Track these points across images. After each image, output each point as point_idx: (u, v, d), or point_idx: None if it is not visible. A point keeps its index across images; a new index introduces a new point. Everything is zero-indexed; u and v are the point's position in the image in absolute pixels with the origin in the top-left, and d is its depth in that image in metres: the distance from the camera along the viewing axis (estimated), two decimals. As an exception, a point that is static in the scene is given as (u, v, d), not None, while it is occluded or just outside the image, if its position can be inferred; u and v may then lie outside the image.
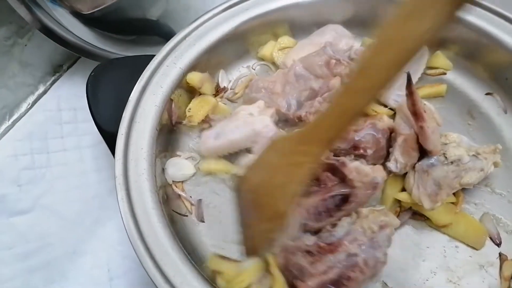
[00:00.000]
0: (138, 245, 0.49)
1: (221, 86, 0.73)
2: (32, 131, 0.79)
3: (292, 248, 0.50)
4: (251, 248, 0.53)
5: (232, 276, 0.51)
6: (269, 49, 0.75)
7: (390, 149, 0.59)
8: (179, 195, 0.62)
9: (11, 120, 0.80)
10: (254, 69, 0.76)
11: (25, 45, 0.79)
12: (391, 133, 0.61)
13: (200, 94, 0.70)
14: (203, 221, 0.61)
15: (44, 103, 0.82)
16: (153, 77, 0.64)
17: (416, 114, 0.55)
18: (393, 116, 0.64)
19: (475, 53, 0.70)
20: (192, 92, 0.70)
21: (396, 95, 0.65)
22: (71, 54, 0.85)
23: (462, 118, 0.68)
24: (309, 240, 0.51)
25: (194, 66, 0.67)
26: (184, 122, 0.68)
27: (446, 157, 0.56)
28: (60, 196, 0.76)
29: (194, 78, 0.67)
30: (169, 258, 0.49)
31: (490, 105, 0.69)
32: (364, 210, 0.53)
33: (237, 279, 0.51)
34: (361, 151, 0.58)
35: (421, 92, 0.68)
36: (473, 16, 0.67)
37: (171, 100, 0.65)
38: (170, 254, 0.49)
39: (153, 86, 0.63)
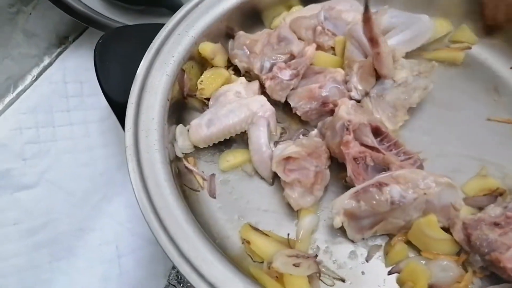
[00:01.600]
0: (150, 217, 0.47)
1: (234, 56, 0.69)
2: (37, 104, 0.76)
3: (473, 222, 0.48)
4: None
5: (259, 246, 0.51)
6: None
7: (347, 77, 0.60)
8: (191, 170, 0.60)
9: (16, 92, 0.77)
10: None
11: (30, 14, 0.75)
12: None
13: (212, 66, 0.67)
14: (215, 197, 0.58)
15: (50, 75, 0.79)
16: (164, 45, 0.61)
17: (373, 40, 0.54)
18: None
19: (501, 26, 0.66)
20: (204, 63, 0.66)
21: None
22: (77, 25, 0.82)
23: (488, 94, 0.64)
24: (495, 212, 0.48)
25: (206, 36, 0.64)
26: (196, 94, 0.65)
27: (394, 81, 0.59)
28: (66, 171, 0.74)
29: (207, 48, 0.64)
30: (183, 232, 0.47)
31: (516, 80, 0.65)
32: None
33: (263, 250, 0.51)
34: (331, 105, 0.58)
35: (437, 54, 0.67)
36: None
37: (183, 71, 0.62)
38: (183, 227, 0.47)
39: (164, 55, 0.60)
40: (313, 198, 0.53)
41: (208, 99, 0.65)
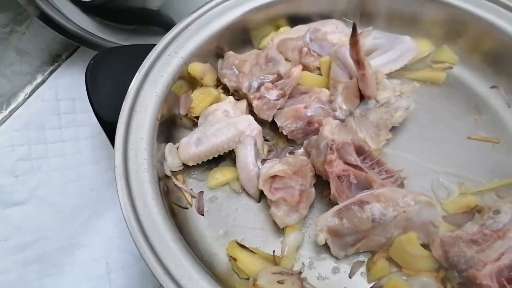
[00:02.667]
0: (138, 236, 0.48)
1: (223, 76, 0.71)
2: (29, 121, 0.77)
3: (451, 239, 0.49)
4: None
5: (245, 264, 0.52)
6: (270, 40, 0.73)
7: (332, 97, 0.62)
8: (180, 188, 0.61)
9: (8, 109, 0.78)
10: (257, 61, 0.74)
11: (23, 33, 0.77)
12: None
13: (202, 85, 0.69)
14: (203, 215, 0.59)
15: (42, 93, 0.80)
16: (154, 66, 0.62)
17: (359, 62, 0.57)
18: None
19: (480, 46, 0.69)
20: (194, 83, 0.68)
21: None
22: (69, 44, 0.84)
23: (469, 113, 0.66)
24: (472, 229, 0.50)
25: (195, 56, 0.66)
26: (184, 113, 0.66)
27: (377, 101, 0.61)
28: (57, 188, 0.75)
29: (196, 68, 0.66)
30: (169, 250, 0.48)
31: (495, 99, 0.67)
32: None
33: (249, 267, 0.52)
34: (316, 125, 0.60)
35: (419, 74, 0.69)
36: (481, 9, 0.66)
37: (181, 92, 0.64)
38: (170, 246, 0.48)
39: (154, 75, 0.62)
40: (298, 216, 0.55)
41: (197, 117, 0.66)
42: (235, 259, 0.53)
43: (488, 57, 0.69)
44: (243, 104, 0.65)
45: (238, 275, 0.54)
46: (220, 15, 0.68)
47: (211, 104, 0.67)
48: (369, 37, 0.70)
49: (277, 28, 0.74)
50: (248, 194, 0.60)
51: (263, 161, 0.61)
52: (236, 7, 0.69)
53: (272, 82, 0.64)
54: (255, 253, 0.54)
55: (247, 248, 0.55)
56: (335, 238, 0.52)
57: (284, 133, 0.61)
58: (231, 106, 0.64)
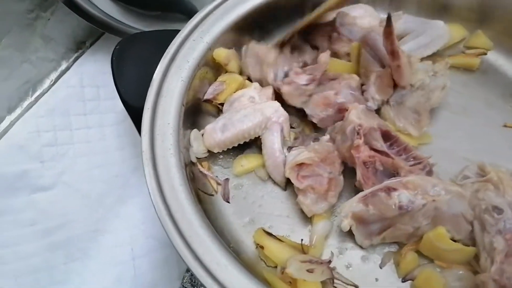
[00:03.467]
0: (166, 221, 0.48)
1: (247, 62, 0.70)
2: (55, 107, 0.78)
3: (499, 272, 0.45)
4: None
5: (272, 251, 0.51)
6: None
7: (364, 86, 0.60)
8: (205, 174, 0.60)
9: (34, 96, 0.79)
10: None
11: (48, 19, 0.77)
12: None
13: (226, 71, 0.68)
14: (229, 202, 0.59)
15: (67, 79, 0.81)
16: (179, 51, 0.61)
17: (394, 53, 0.55)
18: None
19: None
20: (218, 69, 0.67)
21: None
22: (94, 31, 0.84)
23: (505, 101, 0.64)
24: None
25: (220, 42, 0.65)
26: (211, 99, 0.65)
27: (411, 85, 0.59)
28: (83, 174, 0.75)
29: (221, 54, 0.65)
30: (197, 236, 0.47)
31: (533, 87, 0.65)
32: None
33: (277, 255, 0.51)
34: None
35: (452, 60, 0.66)
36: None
37: (206, 77, 0.64)
38: (198, 232, 0.48)
39: (179, 60, 0.61)
40: (327, 205, 0.54)
41: (222, 104, 0.66)
42: (262, 247, 0.52)
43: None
44: (269, 90, 0.63)
45: (265, 263, 0.53)
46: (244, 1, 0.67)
47: (237, 90, 0.66)
48: (400, 21, 0.68)
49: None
50: (274, 182, 0.59)
51: (289, 148, 0.59)
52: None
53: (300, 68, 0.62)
54: (282, 241, 0.53)
55: (274, 236, 0.54)
56: (360, 225, 0.50)
57: (314, 121, 0.60)
58: (256, 92, 0.63)
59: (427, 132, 0.60)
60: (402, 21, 0.68)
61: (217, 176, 0.61)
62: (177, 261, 0.69)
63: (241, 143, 0.59)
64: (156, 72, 0.59)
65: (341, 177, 0.56)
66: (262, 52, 0.64)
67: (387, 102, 0.60)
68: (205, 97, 0.65)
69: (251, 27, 0.69)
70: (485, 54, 0.68)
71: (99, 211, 0.73)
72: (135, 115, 0.60)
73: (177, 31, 0.64)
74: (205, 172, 0.60)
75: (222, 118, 0.60)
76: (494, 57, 0.68)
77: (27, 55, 0.76)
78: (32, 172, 0.73)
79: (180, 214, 0.48)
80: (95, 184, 0.74)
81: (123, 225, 0.71)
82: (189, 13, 0.83)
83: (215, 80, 0.67)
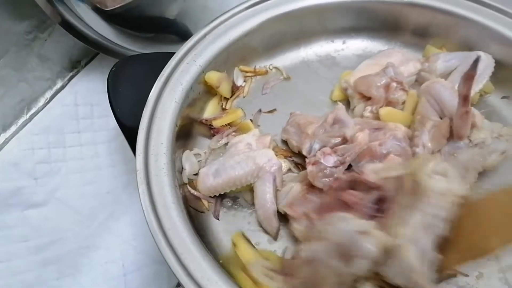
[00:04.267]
0: (159, 238, 0.50)
1: (237, 84, 0.73)
2: (49, 125, 0.79)
3: None
4: None
5: (242, 251, 0.55)
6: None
7: (416, 133, 0.58)
8: (196, 196, 0.62)
9: (29, 114, 0.80)
10: (271, 69, 0.77)
11: (45, 40, 0.79)
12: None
13: (217, 94, 0.71)
14: (218, 219, 0.61)
15: (62, 98, 0.83)
16: (173, 73, 0.64)
17: (466, 98, 0.53)
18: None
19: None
20: (210, 91, 0.70)
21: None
22: (89, 51, 0.86)
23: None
24: None
25: (213, 65, 0.68)
26: (206, 120, 0.69)
27: (470, 140, 0.57)
28: (75, 190, 0.77)
29: (213, 77, 0.68)
30: (189, 252, 0.49)
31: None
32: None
33: (246, 256, 0.55)
34: None
35: None
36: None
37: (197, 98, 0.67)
38: (190, 248, 0.50)
39: (173, 82, 0.64)
40: None
41: (213, 128, 0.68)
42: (235, 245, 0.56)
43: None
44: (267, 138, 0.63)
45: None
46: (237, 24, 0.70)
47: (233, 121, 0.68)
48: (439, 61, 0.68)
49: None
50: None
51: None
52: (253, 17, 0.71)
53: (335, 145, 0.58)
54: (255, 248, 0.57)
55: (249, 241, 0.57)
56: None
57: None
58: (255, 139, 0.63)
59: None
60: (441, 61, 0.68)
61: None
62: (167, 276, 0.70)
63: (233, 189, 0.59)
64: (151, 93, 0.62)
65: None
66: (304, 122, 0.63)
67: (439, 151, 0.57)
68: (202, 118, 0.68)
69: (242, 51, 0.73)
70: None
71: (91, 227, 0.74)
72: (130, 134, 0.62)
73: (172, 53, 0.67)
74: (197, 194, 0.62)
75: (217, 163, 0.60)
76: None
77: (24, 74, 0.78)
78: (25, 189, 0.74)
79: (173, 232, 0.50)
80: (87, 200, 0.76)
81: (115, 241, 0.72)
82: (183, 35, 0.87)
83: (207, 102, 0.71)
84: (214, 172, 0.59)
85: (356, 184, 0.53)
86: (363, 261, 0.46)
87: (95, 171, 0.79)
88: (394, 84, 0.64)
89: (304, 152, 0.59)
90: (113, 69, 0.66)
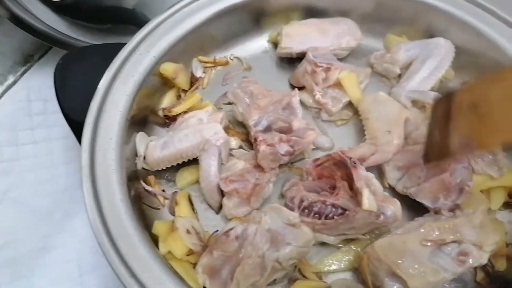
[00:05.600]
0: (103, 238, 0.47)
1: (196, 76, 0.71)
2: (1, 122, 0.76)
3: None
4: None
5: (181, 209, 0.57)
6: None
7: None
8: (151, 192, 0.60)
9: (-21, 111, 0.77)
10: (232, 60, 0.74)
11: (-5, 34, 0.75)
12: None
13: (174, 86, 0.68)
14: (174, 215, 0.59)
15: (14, 93, 0.79)
16: (124, 65, 0.61)
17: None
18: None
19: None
20: (167, 83, 0.68)
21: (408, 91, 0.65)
22: (42, 44, 0.82)
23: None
24: None
25: (168, 55, 0.65)
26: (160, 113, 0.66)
27: None
28: (29, 189, 0.73)
29: (168, 68, 0.65)
30: (136, 252, 0.47)
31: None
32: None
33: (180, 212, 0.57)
34: (467, 188, 0.54)
35: None
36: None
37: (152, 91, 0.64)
38: (137, 248, 0.48)
39: (124, 74, 0.61)
40: (248, 210, 0.55)
41: (169, 117, 0.66)
42: (177, 203, 0.57)
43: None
44: (219, 115, 0.62)
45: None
46: (194, 12, 0.67)
47: (191, 106, 0.66)
48: (400, 52, 0.68)
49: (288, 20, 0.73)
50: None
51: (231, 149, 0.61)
52: (211, 5, 0.68)
53: (282, 131, 0.59)
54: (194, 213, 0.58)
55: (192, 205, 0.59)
56: (212, 278, 0.49)
57: (443, 212, 0.53)
58: (207, 115, 0.63)
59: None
60: (403, 51, 0.68)
61: (163, 190, 0.61)
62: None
63: (180, 162, 0.59)
64: (99, 86, 0.59)
65: (270, 185, 0.57)
66: (257, 93, 0.62)
67: None
68: (161, 107, 0.66)
69: (200, 40, 0.70)
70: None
71: (46, 227, 0.71)
72: (78, 130, 0.59)
73: (123, 44, 0.64)
74: (151, 190, 0.60)
75: (166, 136, 0.60)
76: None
77: (-26, 70, 0.74)
78: (-23, 189, 0.70)
79: (119, 231, 0.48)
80: (42, 199, 0.73)
81: (70, 241, 0.69)
82: (142, 24, 0.83)
83: (164, 94, 0.68)
84: (162, 144, 0.58)
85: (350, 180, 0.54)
86: (289, 248, 0.49)
87: (50, 169, 0.75)
88: (312, 65, 0.65)
89: (250, 123, 0.59)
90: (60, 62, 0.62)
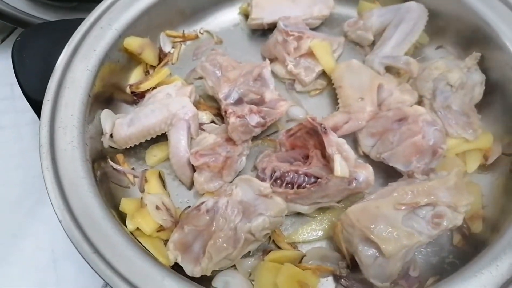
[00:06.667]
0: (65, 216, 0.46)
1: (165, 51, 0.68)
2: (-35, 109, 0.73)
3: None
4: None
5: (150, 186, 0.56)
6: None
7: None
8: (119, 170, 0.58)
9: None
10: (202, 34, 0.72)
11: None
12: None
13: (141, 61, 0.66)
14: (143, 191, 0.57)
15: (-22, 78, 0.76)
16: (84, 40, 0.59)
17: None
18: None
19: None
20: (134, 58, 0.65)
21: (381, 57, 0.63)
22: (5, 26, 0.79)
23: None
24: None
25: (132, 29, 0.63)
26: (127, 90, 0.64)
27: (451, 85, 0.57)
28: (-1, 177, 0.71)
29: (133, 43, 0.63)
30: (100, 229, 0.45)
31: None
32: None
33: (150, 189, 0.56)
34: (440, 151, 0.53)
35: None
36: None
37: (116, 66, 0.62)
38: (101, 224, 0.46)
39: (85, 49, 0.58)
40: (221, 184, 0.54)
41: (137, 94, 0.64)
42: (146, 181, 0.56)
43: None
44: (188, 89, 0.60)
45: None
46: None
47: (160, 81, 0.64)
48: (373, 18, 0.66)
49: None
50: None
51: (201, 125, 0.59)
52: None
53: (254, 103, 0.57)
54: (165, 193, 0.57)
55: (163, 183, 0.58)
56: (185, 254, 0.48)
57: (416, 176, 0.52)
58: (175, 89, 0.60)
59: (486, 133, 0.57)
60: (375, 17, 0.66)
61: (133, 169, 0.59)
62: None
63: (148, 139, 0.57)
64: (58, 62, 0.56)
65: (243, 159, 0.56)
66: (226, 65, 0.60)
67: (433, 108, 0.58)
68: (127, 84, 0.63)
69: (167, 14, 0.68)
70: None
71: (19, 215, 0.69)
72: (39, 109, 0.56)
73: (84, 19, 0.61)
74: (120, 168, 0.58)
75: (132, 113, 0.58)
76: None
77: None
78: None
79: (81, 209, 0.46)
80: (13, 186, 0.70)
81: (43, 228, 0.67)
82: None
83: (132, 70, 0.66)
84: (128, 121, 0.56)
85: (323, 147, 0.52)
86: (261, 218, 0.48)
87: (20, 155, 0.73)
88: (283, 35, 0.63)
89: (220, 96, 0.57)
90: (17, 39, 0.60)
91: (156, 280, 0.42)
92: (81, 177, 0.49)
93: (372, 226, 0.46)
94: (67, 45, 0.57)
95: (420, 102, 0.59)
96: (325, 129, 0.51)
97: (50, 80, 0.54)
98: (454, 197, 0.48)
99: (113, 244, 0.44)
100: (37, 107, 0.58)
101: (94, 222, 0.46)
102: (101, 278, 0.42)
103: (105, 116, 0.57)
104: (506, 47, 0.59)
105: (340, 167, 0.49)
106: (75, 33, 0.58)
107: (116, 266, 0.42)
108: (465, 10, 0.63)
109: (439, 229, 0.47)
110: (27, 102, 0.73)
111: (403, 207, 0.47)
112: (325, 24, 0.72)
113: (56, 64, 0.56)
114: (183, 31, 0.71)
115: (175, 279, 0.43)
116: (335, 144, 0.51)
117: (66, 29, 0.60)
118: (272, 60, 0.66)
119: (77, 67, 0.56)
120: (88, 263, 0.43)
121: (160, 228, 0.51)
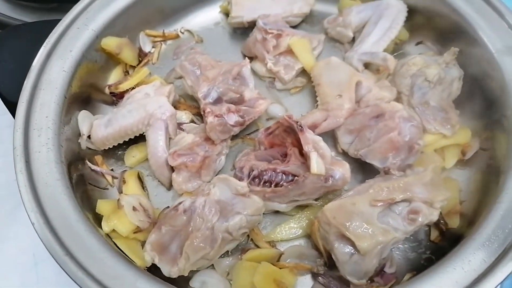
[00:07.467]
0: (38, 218, 0.45)
1: (145, 51, 0.68)
2: None
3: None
4: None
5: (128, 187, 0.55)
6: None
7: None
8: (98, 172, 0.57)
9: None
10: (183, 33, 0.71)
11: None
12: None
13: (120, 61, 0.65)
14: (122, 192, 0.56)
15: (-44, 80, 0.75)
16: (60, 40, 0.59)
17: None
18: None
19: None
20: (113, 58, 0.65)
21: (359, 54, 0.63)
22: (-16, 27, 0.78)
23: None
24: None
25: (110, 29, 0.62)
26: (106, 91, 0.63)
27: (429, 81, 0.56)
28: (-21, 180, 0.70)
29: (110, 43, 0.62)
30: (72, 231, 0.45)
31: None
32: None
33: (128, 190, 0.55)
34: (417, 147, 0.53)
35: None
36: None
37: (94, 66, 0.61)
38: (74, 227, 0.45)
39: (61, 50, 0.58)
40: (199, 183, 0.53)
41: (116, 95, 0.63)
42: (125, 182, 0.56)
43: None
44: (166, 89, 0.60)
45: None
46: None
47: (140, 81, 0.63)
48: (352, 14, 0.66)
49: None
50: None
51: (179, 125, 0.59)
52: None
53: (233, 102, 0.57)
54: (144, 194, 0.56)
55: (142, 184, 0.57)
56: (162, 254, 0.48)
57: (392, 172, 0.52)
58: (154, 89, 0.60)
59: (464, 129, 0.57)
60: (354, 13, 0.66)
61: (112, 170, 0.59)
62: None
63: (126, 139, 0.57)
64: (33, 63, 0.56)
65: (222, 158, 0.55)
66: (205, 64, 0.60)
67: (411, 106, 0.57)
68: (105, 84, 0.63)
69: (146, 13, 0.67)
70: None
71: (-1, 218, 0.68)
72: (15, 111, 0.56)
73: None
74: (98, 169, 0.57)
75: (110, 114, 0.57)
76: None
77: None
78: None
79: (54, 211, 0.46)
80: (-7, 189, 0.70)
81: (24, 230, 0.66)
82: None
83: (111, 70, 0.65)
84: (106, 122, 0.56)
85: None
86: (238, 217, 0.47)
87: (0, 157, 0.72)
88: (261, 36, 0.63)
89: (199, 95, 0.57)
90: (-7, 41, 0.59)
91: (129, 282, 0.42)
92: (56, 179, 0.48)
93: (347, 223, 0.46)
94: (43, 46, 0.57)
95: (398, 99, 0.58)
96: (301, 127, 0.51)
97: (25, 82, 0.54)
98: (430, 193, 0.48)
99: (87, 247, 0.44)
100: (13, 108, 0.57)
101: (67, 224, 0.45)
102: (73, 280, 0.41)
103: (83, 117, 0.57)
104: (484, 42, 0.59)
105: (316, 165, 0.49)
106: (51, 34, 0.58)
107: (89, 269, 0.42)
108: (444, 5, 0.63)
109: (414, 225, 0.47)
110: (5, 104, 0.72)
111: (379, 204, 0.47)
112: (306, 22, 0.71)
113: (32, 65, 0.55)
114: (163, 30, 0.70)
115: (148, 281, 0.43)
116: (312, 141, 0.51)
117: (43, 31, 0.60)
118: (252, 59, 0.66)
119: (53, 68, 0.56)
120: (59, 265, 0.43)
121: (137, 230, 0.50)
